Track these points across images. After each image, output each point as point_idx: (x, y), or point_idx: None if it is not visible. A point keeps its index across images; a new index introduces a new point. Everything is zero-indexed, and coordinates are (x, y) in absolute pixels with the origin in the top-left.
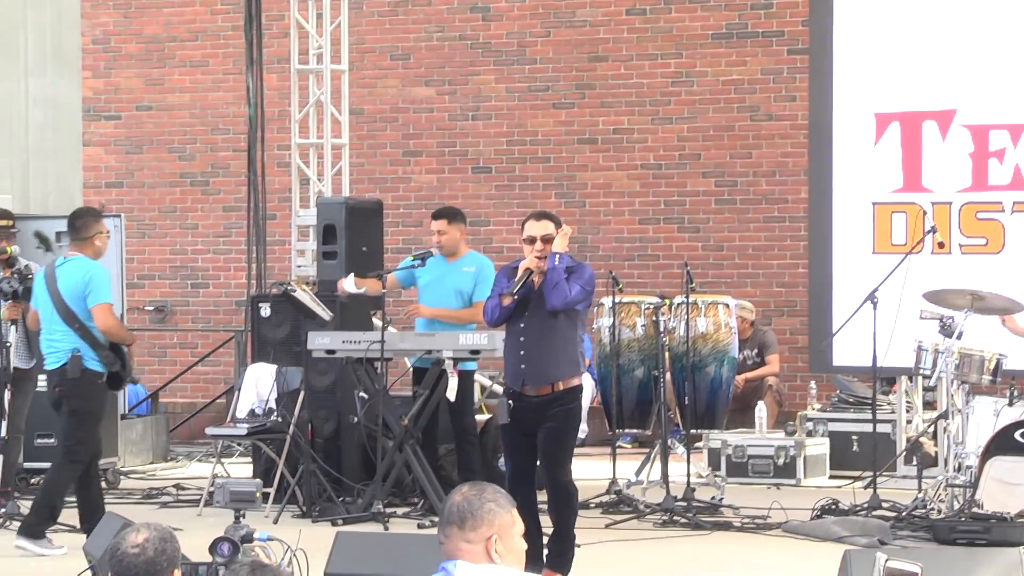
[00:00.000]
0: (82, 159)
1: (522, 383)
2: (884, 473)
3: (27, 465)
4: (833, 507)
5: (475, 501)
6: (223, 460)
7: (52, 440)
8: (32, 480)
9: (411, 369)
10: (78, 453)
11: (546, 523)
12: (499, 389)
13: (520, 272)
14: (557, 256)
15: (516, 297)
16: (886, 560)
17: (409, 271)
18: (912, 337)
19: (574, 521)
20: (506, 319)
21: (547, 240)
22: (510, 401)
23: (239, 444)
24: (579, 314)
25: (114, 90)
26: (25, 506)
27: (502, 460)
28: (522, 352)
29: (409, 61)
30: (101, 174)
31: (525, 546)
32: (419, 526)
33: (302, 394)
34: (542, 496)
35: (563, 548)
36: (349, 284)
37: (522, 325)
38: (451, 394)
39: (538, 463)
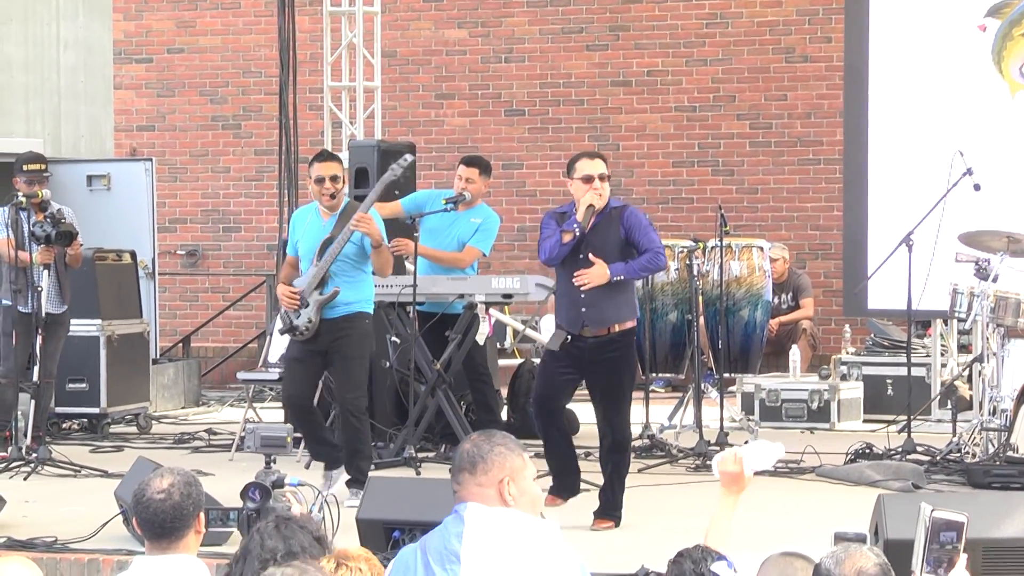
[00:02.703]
0: (113, 102)
1: (581, 326)
2: (918, 417)
3: (58, 410)
4: (867, 451)
5: (484, 446)
6: (255, 405)
7: (84, 385)
8: (64, 425)
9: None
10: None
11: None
12: (532, 333)
13: (583, 210)
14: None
15: (577, 235)
16: (933, 510)
17: (415, 204)
18: (947, 280)
19: (627, 472)
20: (563, 258)
21: (603, 178)
22: (568, 336)
23: (271, 389)
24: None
25: (145, 33)
26: (57, 451)
27: None
28: (583, 295)
29: (442, 3)
30: (132, 117)
31: (540, 491)
32: (451, 471)
33: None
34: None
35: (617, 499)
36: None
37: (582, 268)
38: (481, 338)
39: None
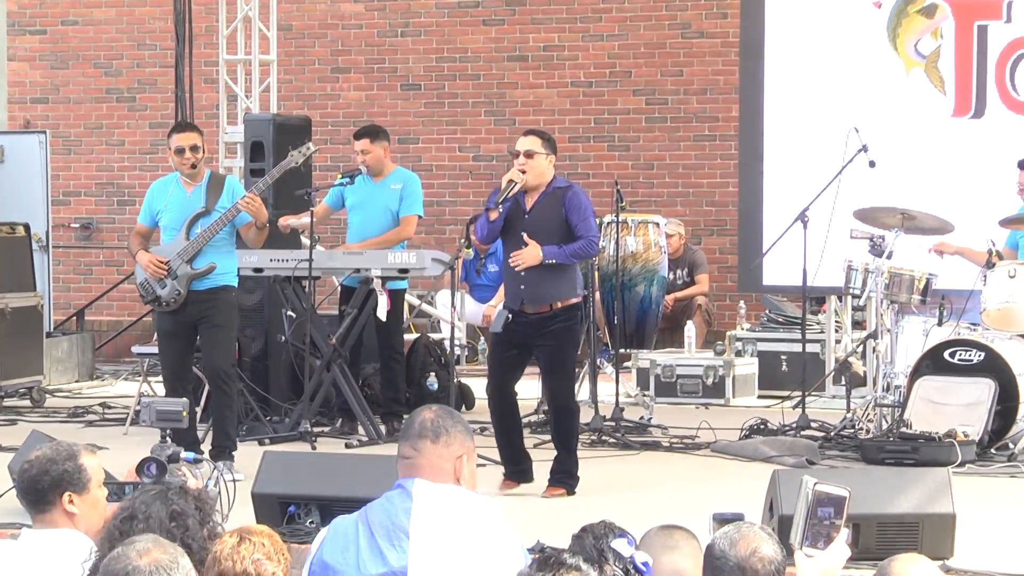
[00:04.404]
0: (7, 74)
1: (520, 303)
2: (813, 393)
3: None
4: (762, 427)
5: (448, 420)
6: (149, 379)
7: None
8: None
9: (339, 288)
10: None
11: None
12: (427, 308)
13: (504, 184)
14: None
15: (502, 211)
16: (815, 483)
17: (338, 194)
18: (842, 256)
19: (577, 440)
20: (496, 235)
21: (529, 155)
22: (510, 315)
23: None
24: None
25: (39, 4)
26: None
27: (431, 379)
28: (522, 273)
29: None
30: (26, 89)
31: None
32: (346, 446)
33: None
34: None
35: (569, 467)
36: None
37: (523, 247)
38: (382, 313)
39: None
